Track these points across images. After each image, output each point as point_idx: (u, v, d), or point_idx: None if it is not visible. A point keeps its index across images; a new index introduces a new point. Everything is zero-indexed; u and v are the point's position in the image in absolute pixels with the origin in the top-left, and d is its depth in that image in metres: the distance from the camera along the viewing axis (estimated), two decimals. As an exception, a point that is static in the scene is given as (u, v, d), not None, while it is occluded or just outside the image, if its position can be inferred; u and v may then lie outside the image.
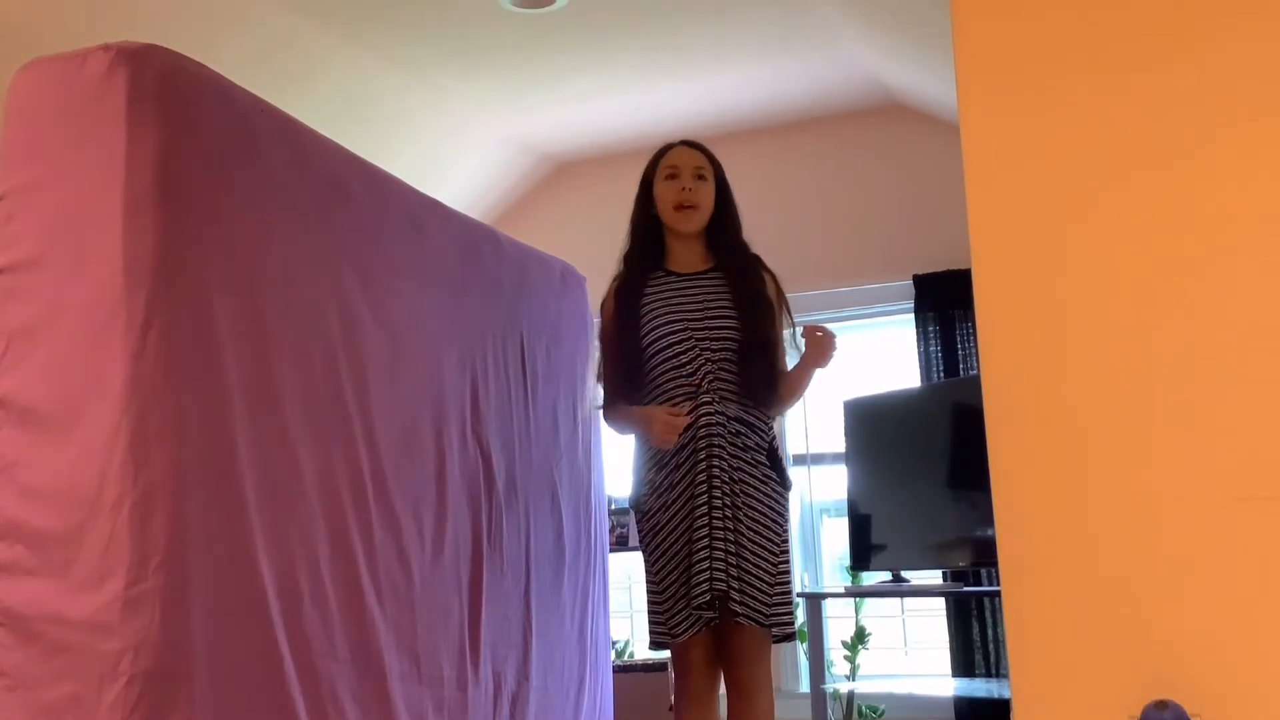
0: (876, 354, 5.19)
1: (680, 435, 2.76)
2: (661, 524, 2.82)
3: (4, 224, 1.96)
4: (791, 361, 2.97)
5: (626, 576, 5.20)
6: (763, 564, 2.77)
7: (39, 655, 1.81)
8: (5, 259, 1.94)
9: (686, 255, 2.97)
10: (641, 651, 4.93)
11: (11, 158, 1.98)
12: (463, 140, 5.10)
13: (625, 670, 4.17)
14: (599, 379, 3.05)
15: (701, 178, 2.94)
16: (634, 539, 3.80)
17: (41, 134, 1.97)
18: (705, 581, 2.69)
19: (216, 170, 2.02)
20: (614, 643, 4.53)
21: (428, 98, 4.68)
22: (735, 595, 2.71)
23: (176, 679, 1.81)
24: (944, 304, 4.80)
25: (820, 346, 2.85)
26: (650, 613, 2.86)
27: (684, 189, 2.91)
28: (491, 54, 4.34)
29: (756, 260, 3.00)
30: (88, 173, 1.92)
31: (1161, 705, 1.53)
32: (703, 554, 2.71)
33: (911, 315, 4.90)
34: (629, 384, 2.92)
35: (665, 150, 3.02)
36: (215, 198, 2.02)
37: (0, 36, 3.38)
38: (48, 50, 2.02)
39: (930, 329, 4.84)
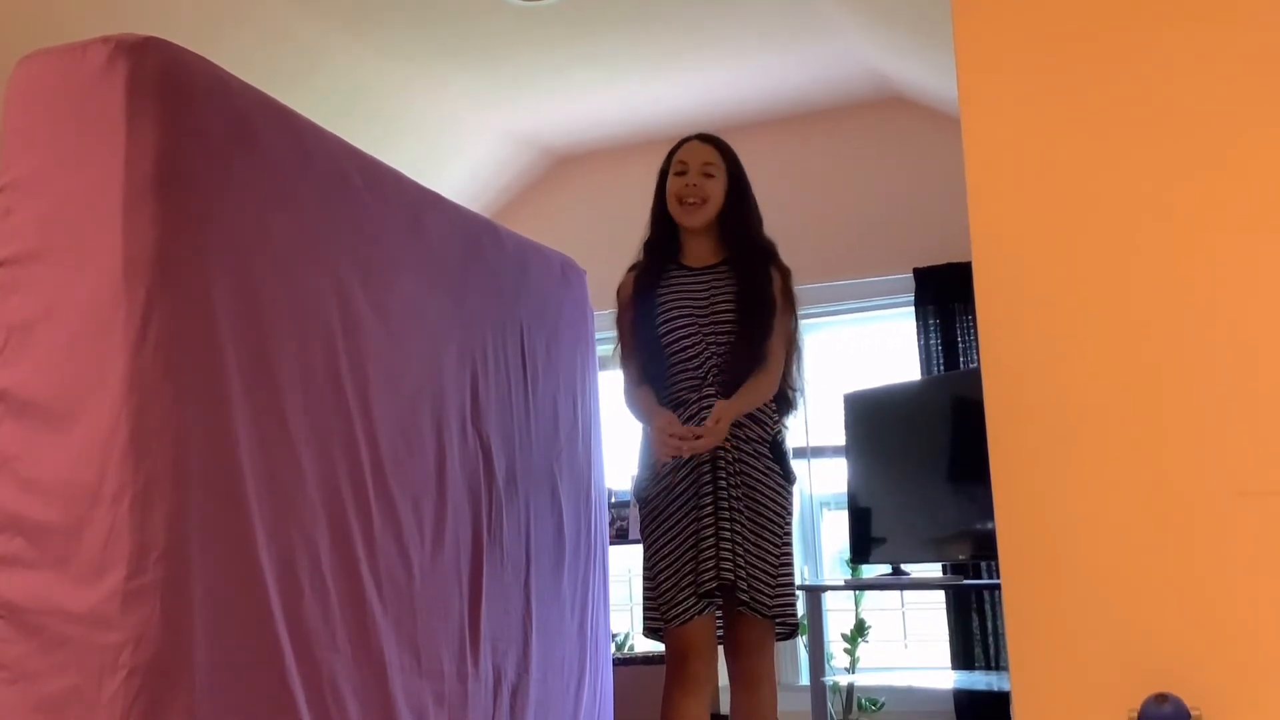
0: (877, 347, 5.19)
1: (681, 451, 2.75)
2: (663, 512, 2.84)
3: (3, 217, 1.95)
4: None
5: (626, 569, 5.21)
6: (766, 556, 2.78)
7: (39, 648, 1.81)
8: (5, 252, 1.94)
9: (698, 249, 3.01)
10: (642, 644, 4.93)
11: (11, 150, 1.98)
12: (462, 133, 5.09)
13: (625, 663, 4.18)
14: (618, 362, 3.07)
15: (709, 175, 2.96)
16: (634, 532, 3.80)
17: (41, 126, 1.96)
18: (712, 570, 2.71)
19: (216, 163, 2.02)
20: (614, 635, 4.53)
21: (427, 91, 4.68)
22: (743, 585, 2.72)
23: (177, 671, 1.81)
24: (944, 297, 4.80)
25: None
26: (645, 599, 2.87)
27: (688, 185, 2.95)
28: (491, 47, 4.33)
29: (766, 255, 3.00)
30: (87, 165, 1.91)
31: (1161, 698, 1.53)
32: (709, 543, 2.73)
33: (912, 308, 4.90)
34: (647, 375, 2.94)
35: (680, 144, 3.06)
36: (215, 190, 2.01)
37: (0, 28, 3.38)
38: (47, 42, 2.02)
39: (930, 322, 4.84)
